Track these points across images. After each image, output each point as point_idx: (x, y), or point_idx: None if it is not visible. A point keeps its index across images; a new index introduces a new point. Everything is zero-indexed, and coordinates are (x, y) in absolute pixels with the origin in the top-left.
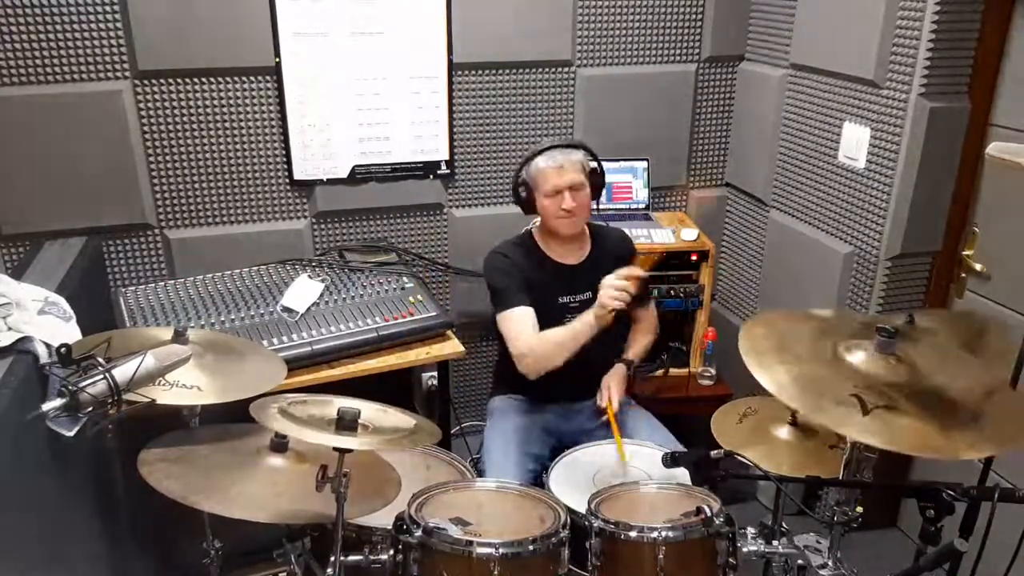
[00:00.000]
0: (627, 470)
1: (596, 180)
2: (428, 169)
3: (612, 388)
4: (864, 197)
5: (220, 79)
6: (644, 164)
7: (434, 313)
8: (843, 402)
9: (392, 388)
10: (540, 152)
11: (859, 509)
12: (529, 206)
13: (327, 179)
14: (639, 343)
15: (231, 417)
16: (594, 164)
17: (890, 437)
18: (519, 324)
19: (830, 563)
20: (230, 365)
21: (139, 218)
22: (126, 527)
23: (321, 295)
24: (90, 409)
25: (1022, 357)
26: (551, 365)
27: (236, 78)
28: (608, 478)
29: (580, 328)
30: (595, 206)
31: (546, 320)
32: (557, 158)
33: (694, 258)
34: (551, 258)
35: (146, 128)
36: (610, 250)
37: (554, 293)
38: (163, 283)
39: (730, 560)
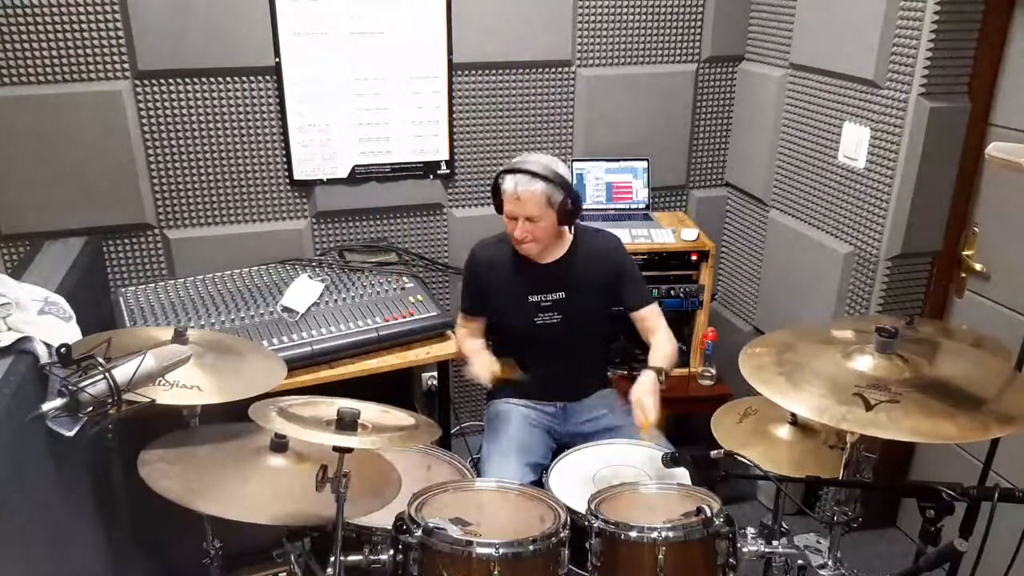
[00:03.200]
0: (625, 470)
1: (564, 210)
2: (428, 169)
3: (646, 403)
4: (864, 197)
5: (220, 79)
6: (644, 164)
7: (434, 313)
8: (846, 402)
9: (392, 388)
10: (511, 171)
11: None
12: (499, 211)
13: (327, 179)
14: (661, 349)
15: (231, 417)
16: (563, 196)
17: (896, 429)
18: (460, 330)
19: (830, 563)
20: (230, 365)
21: (139, 218)
22: (126, 527)
23: (321, 295)
24: (90, 409)
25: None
26: None
27: (236, 78)
28: (608, 478)
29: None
30: (574, 224)
31: (516, 317)
32: (518, 188)
33: (694, 258)
34: (526, 256)
35: (146, 128)
36: (591, 252)
37: (525, 291)
38: (163, 283)
39: (730, 560)
